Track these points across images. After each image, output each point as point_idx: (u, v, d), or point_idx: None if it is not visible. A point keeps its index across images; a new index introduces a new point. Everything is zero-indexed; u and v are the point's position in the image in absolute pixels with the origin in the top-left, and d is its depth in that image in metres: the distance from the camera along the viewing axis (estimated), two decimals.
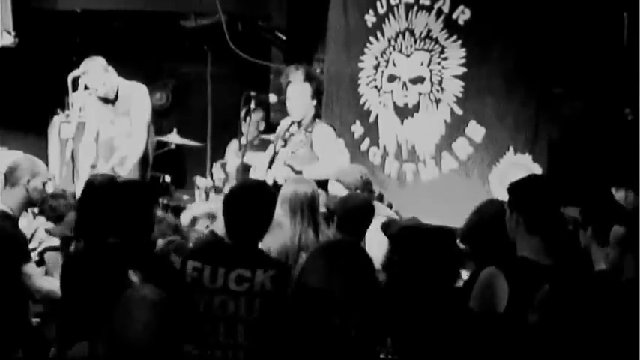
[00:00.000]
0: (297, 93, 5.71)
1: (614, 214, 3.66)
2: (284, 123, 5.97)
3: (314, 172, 5.58)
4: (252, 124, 6.57)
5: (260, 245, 4.24)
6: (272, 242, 4.60)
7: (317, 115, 5.81)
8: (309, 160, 5.63)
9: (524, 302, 3.29)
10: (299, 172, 5.57)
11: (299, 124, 5.74)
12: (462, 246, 3.87)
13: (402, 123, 6.26)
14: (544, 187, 3.59)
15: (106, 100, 6.08)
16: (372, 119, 6.46)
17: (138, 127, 6.05)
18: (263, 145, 6.87)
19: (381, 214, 5.17)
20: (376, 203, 5.24)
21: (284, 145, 5.78)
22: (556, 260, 3.42)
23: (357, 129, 6.55)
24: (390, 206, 5.61)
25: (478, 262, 3.74)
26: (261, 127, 7.42)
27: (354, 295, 2.98)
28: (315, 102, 5.74)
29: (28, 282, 4.43)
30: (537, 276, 3.33)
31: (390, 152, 6.33)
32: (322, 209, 5.50)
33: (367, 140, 6.48)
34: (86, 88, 6.05)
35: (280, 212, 4.64)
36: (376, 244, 4.96)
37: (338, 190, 5.23)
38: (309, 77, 5.71)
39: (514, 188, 3.58)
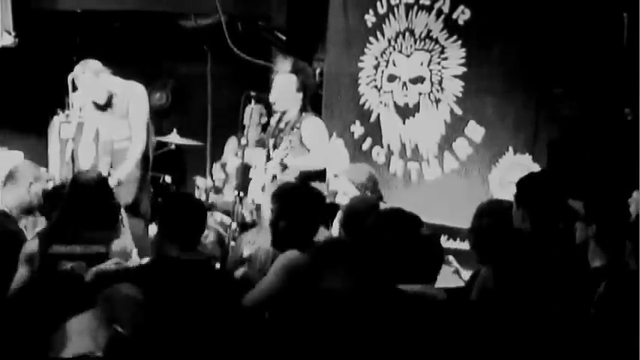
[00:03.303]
0: (282, 83, 5.69)
1: (620, 215, 3.66)
2: (272, 120, 5.98)
3: (304, 163, 5.58)
4: (254, 116, 6.58)
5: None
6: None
7: (304, 109, 5.77)
8: (301, 153, 5.65)
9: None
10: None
11: (286, 121, 5.71)
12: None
13: (404, 122, 6.27)
14: (549, 184, 3.59)
15: (100, 105, 6.06)
16: (373, 119, 6.47)
17: (136, 128, 6.03)
18: (262, 143, 6.88)
19: None
20: (382, 204, 5.26)
21: (275, 145, 5.77)
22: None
23: (357, 129, 6.55)
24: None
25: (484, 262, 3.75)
26: (264, 120, 7.42)
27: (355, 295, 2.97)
28: (301, 95, 5.69)
29: None
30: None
31: (394, 151, 6.34)
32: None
33: (369, 140, 6.48)
34: None
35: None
36: None
37: (344, 187, 5.24)
38: (295, 68, 5.67)
39: (521, 184, 3.59)
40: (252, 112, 6.39)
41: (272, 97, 5.73)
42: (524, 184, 3.64)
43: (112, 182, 5.95)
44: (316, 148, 5.62)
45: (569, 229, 3.73)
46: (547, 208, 3.51)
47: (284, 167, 5.59)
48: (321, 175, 5.73)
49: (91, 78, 5.91)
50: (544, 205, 3.51)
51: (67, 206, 4.53)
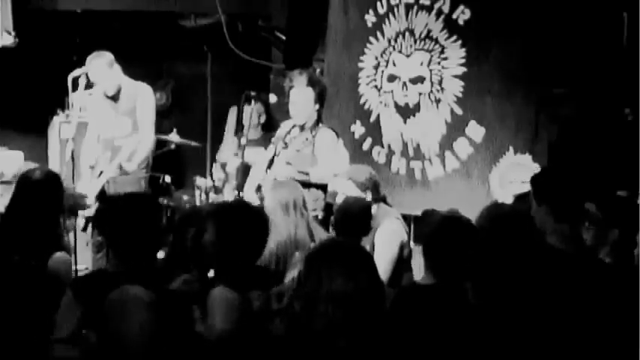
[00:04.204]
0: (301, 97, 5.72)
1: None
2: (285, 125, 5.98)
3: (314, 174, 5.60)
4: (253, 116, 6.61)
5: None
6: (269, 241, 4.63)
7: (320, 119, 5.82)
8: (311, 161, 5.65)
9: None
10: (301, 172, 5.59)
11: (302, 127, 5.75)
12: None
13: (405, 122, 6.27)
14: (570, 178, 3.61)
15: (108, 97, 6.09)
16: (372, 119, 6.47)
17: (144, 125, 6.07)
18: (262, 142, 6.88)
19: (392, 215, 5.20)
20: (383, 206, 5.26)
21: (285, 147, 5.78)
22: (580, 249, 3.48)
23: (357, 129, 6.55)
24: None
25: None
26: (262, 119, 7.42)
27: (356, 295, 2.97)
28: (317, 106, 5.75)
29: None
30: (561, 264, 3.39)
31: (395, 150, 6.34)
32: (320, 212, 5.56)
33: (369, 140, 6.48)
34: (86, 87, 6.05)
35: (273, 213, 4.75)
36: (386, 247, 4.99)
37: (344, 187, 5.23)
38: (312, 82, 5.72)
39: (541, 180, 3.60)
40: (252, 112, 6.41)
41: (292, 112, 5.76)
42: (544, 179, 3.65)
43: (113, 169, 5.99)
44: (326, 161, 5.64)
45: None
46: (572, 202, 3.52)
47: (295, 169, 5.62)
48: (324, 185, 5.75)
49: (104, 67, 5.96)
50: (568, 199, 3.52)
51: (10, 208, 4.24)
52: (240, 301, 3.46)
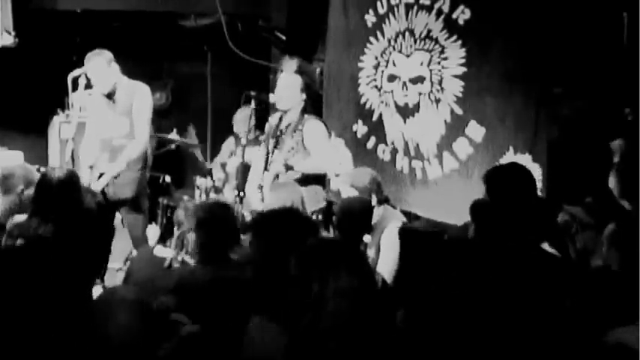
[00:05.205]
0: (287, 82, 5.74)
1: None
2: (272, 120, 5.99)
3: (307, 166, 5.61)
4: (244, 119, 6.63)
5: None
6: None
7: (305, 110, 5.81)
8: (304, 159, 5.66)
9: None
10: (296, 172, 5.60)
11: (287, 122, 5.73)
12: None
13: (405, 122, 6.27)
14: (516, 176, 3.59)
15: (106, 97, 6.09)
16: (375, 118, 6.48)
17: (140, 125, 6.06)
18: (256, 142, 6.89)
19: (397, 217, 5.21)
20: (388, 208, 5.27)
21: (276, 145, 5.78)
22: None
23: (360, 128, 6.56)
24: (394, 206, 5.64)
25: None
26: (252, 122, 7.43)
27: (360, 290, 2.99)
28: (304, 96, 5.74)
29: None
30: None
31: (398, 149, 6.35)
32: (323, 203, 5.57)
33: (373, 138, 6.48)
34: (86, 87, 6.06)
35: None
36: (392, 249, 5.00)
37: (349, 192, 5.24)
38: (301, 70, 5.73)
39: (490, 177, 3.60)
40: (251, 113, 6.41)
41: (276, 95, 5.74)
42: (494, 177, 3.64)
43: (114, 172, 6.00)
44: (318, 152, 5.65)
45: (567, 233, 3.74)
46: (517, 199, 3.52)
47: (288, 168, 5.62)
48: (318, 176, 5.75)
49: (103, 65, 5.97)
50: (514, 197, 3.52)
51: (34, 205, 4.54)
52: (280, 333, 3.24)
